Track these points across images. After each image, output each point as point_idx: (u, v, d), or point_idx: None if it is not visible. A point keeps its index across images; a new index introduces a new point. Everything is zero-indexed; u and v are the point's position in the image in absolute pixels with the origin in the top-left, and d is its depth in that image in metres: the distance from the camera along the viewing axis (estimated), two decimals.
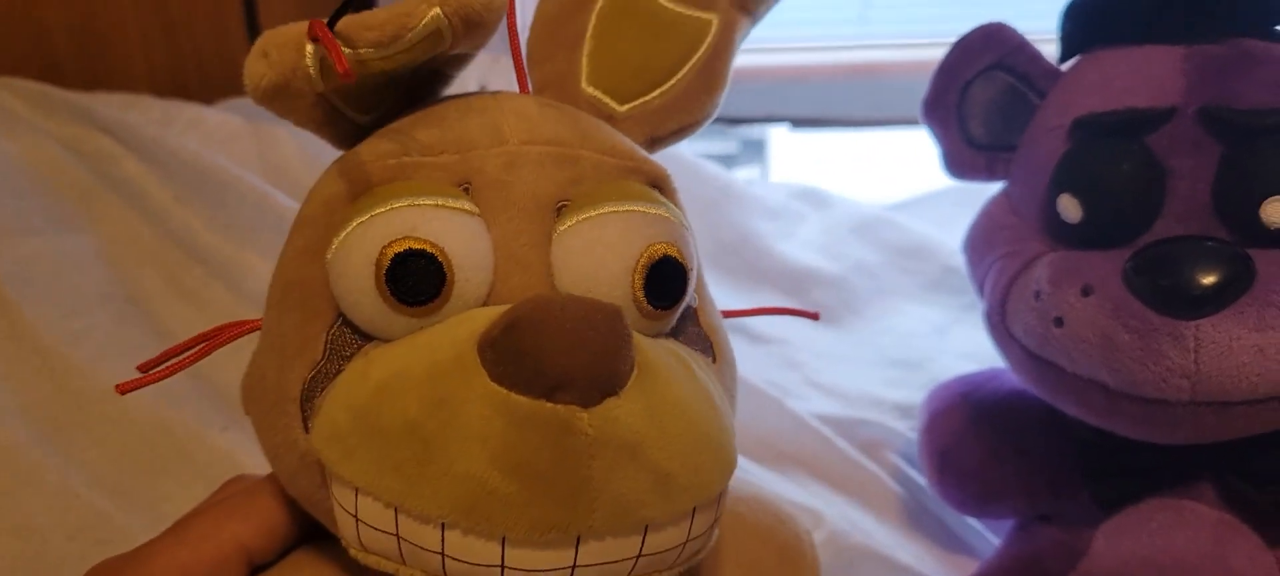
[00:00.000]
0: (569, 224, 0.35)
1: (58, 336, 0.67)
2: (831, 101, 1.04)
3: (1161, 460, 0.49)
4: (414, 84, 0.38)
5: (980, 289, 0.53)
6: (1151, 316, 0.43)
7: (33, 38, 1.03)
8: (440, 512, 0.31)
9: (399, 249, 0.33)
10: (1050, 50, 0.53)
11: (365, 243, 0.33)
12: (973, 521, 0.63)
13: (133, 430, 0.63)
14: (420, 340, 0.33)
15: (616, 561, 0.33)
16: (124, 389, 0.37)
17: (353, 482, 0.32)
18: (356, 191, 0.35)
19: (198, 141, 0.83)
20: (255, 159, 0.83)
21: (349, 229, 0.34)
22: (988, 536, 0.62)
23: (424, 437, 0.31)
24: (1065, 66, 0.52)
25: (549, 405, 0.30)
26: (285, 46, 0.33)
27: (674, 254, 0.36)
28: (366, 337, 0.35)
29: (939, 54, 0.54)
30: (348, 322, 0.35)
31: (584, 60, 0.41)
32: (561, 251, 0.35)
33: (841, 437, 0.68)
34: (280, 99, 0.34)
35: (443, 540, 0.32)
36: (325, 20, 0.33)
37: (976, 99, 0.53)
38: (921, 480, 0.63)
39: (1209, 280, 0.42)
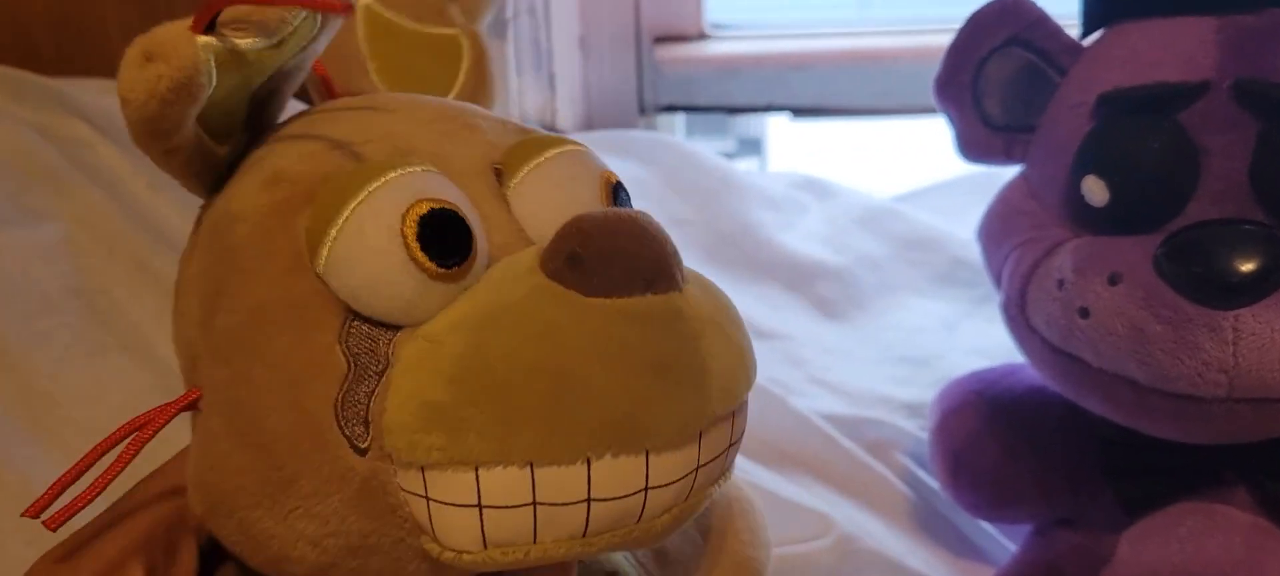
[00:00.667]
0: (518, 179, 0.35)
1: (21, 336, 0.64)
2: (832, 90, 1.01)
3: (1191, 460, 0.47)
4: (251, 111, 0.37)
5: (997, 279, 0.50)
6: (1186, 306, 0.40)
7: (10, 26, 1.00)
8: (590, 443, 0.30)
9: (422, 210, 0.31)
10: (1071, 30, 0.50)
11: (379, 217, 0.31)
12: (986, 525, 0.60)
13: (100, 435, 0.60)
14: (477, 298, 0.32)
15: (717, 457, 0.33)
16: (31, 514, 0.34)
17: (474, 459, 0.30)
18: (306, 190, 0.33)
19: None
20: None
21: (343, 217, 0.31)
22: (1002, 541, 0.59)
23: (550, 372, 0.30)
24: (1087, 41, 0.49)
25: (656, 297, 0.31)
26: (175, 43, 0.30)
27: (619, 180, 0.37)
28: (391, 328, 0.32)
29: (944, 40, 0.51)
30: (361, 320, 0.32)
31: (377, 77, 0.42)
32: (524, 204, 0.35)
33: (848, 438, 0.65)
34: (175, 109, 0.30)
35: (588, 480, 0.31)
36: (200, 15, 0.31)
37: (992, 77, 0.50)
38: (932, 482, 0.60)
39: (1248, 267, 0.40)
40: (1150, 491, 0.48)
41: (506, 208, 0.35)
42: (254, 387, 0.32)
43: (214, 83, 0.30)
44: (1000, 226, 0.50)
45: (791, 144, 1.09)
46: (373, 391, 0.31)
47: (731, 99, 1.05)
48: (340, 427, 0.31)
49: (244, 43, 0.31)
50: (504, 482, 0.30)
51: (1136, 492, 0.48)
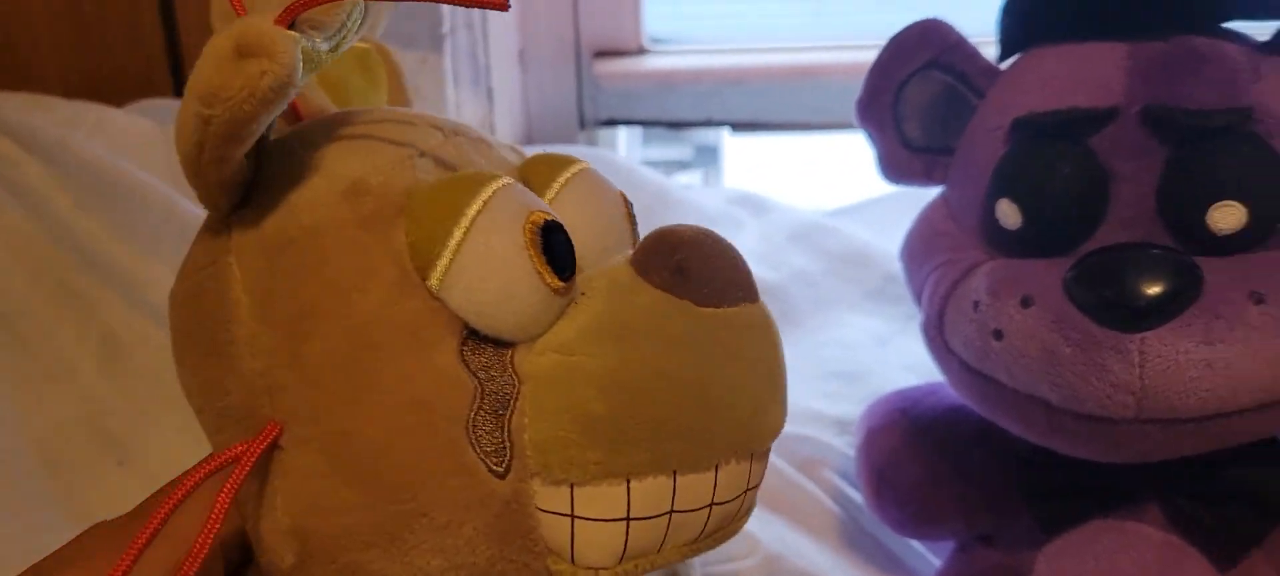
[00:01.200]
0: (553, 194, 0.35)
1: None
2: (771, 104, 1.02)
3: (1106, 479, 0.47)
4: None
5: (918, 299, 0.51)
6: (1094, 329, 0.41)
7: None
8: (723, 449, 0.32)
9: (538, 221, 0.31)
10: (990, 53, 0.50)
11: (502, 230, 0.31)
12: (913, 542, 0.61)
13: (21, 469, 0.59)
14: (595, 311, 0.32)
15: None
16: None
17: (629, 472, 0.30)
18: (395, 201, 0.32)
19: (104, 144, 0.79)
20: (164, 164, 0.78)
21: (461, 230, 0.30)
22: (929, 558, 0.59)
23: (691, 382, 0.31)
24: (1005, 65, 0.49)
25: (752, 305, 0.33)
26: (275, 39, 0.28)
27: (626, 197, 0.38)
28: (505, 345, 0.31)
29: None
30: (477, 338, 0.31)
31: (324, 92, 0.40)
32: (564, 218, 0.34)
33: (778, 454, 0.65)
34: (269, 110, 0.28)
35: (715, 485, 0.32)
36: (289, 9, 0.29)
37: (913, 99, 0.50)
38: (860, 499, 0.61)
39: (1154, 290, 0.40)
40: (1066, 510, 0.48)
41: None
42: (371, 416, 0.30)
43: (300, 81, 0.29)
44: (920, 247, 0.50)
45: (748, 153, 1.10)
46: (506, 410, 0.30)
47: (671, 113, 1.05)
48: (475, 450, 0.30)
49: (319, 39, 0.30)
50: (652, 493, 0.31)
51: (1053, 511, 0.49)
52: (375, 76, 0.42)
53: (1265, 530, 0.46)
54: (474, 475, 0.30)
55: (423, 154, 0.33)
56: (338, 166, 0.32)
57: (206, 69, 0.28)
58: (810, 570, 0.57)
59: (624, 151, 1.11)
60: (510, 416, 0.30)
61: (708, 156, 1.13)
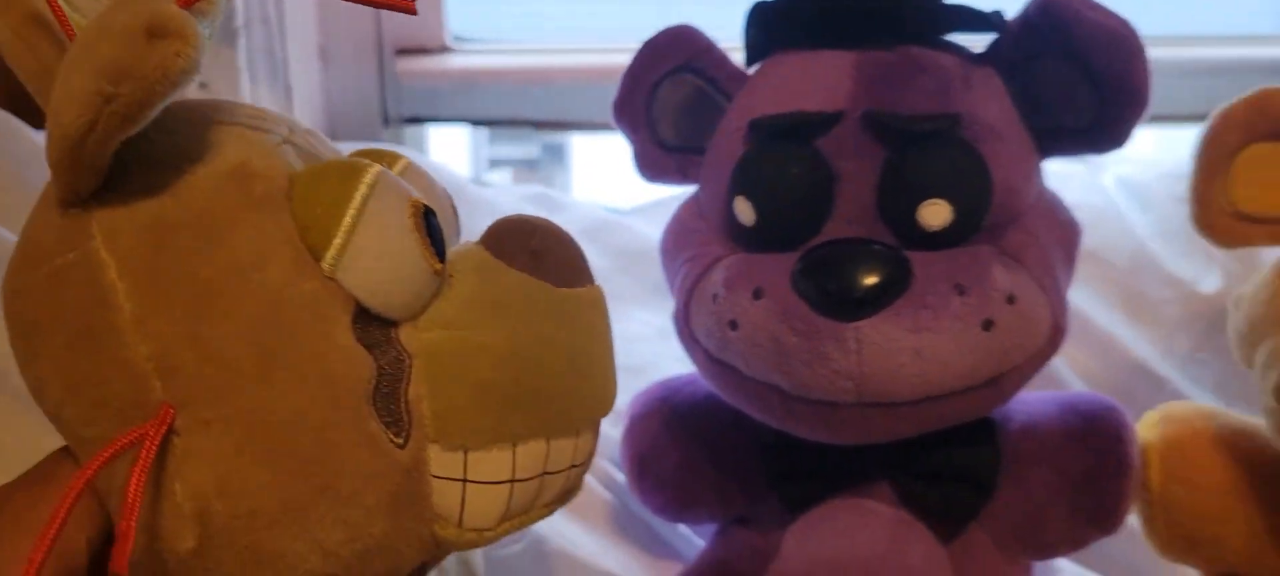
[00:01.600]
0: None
1: None
2: (574, 104, 1.03)
3: (842, 461, 0.50)
4: None
5: (673, 292, 0.53)
6: (816, 319, 0.43)
7: None
8: (587, 415, 0.36)
9: (419, 206, 0.33)
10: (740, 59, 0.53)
11: (392, 214, 0.32)
12: (682, 527, 0.63)
13: None
14: (470, 289, 0.34)
15: None
16: None
17: (516, 436, 0.33)
18: (282, 186, 0.32)
19: None
20: None
21: (353, 214, 0.31)
22: (695, 540, 0.62)
23: (567, 352, 0.34)
24: (751, 71, 0.52)
25: (595, 287, 0.38)
26: (183, 20, 0.28)
27: None
28: (390, 323, 0.33)
29: None
30: (366, 317, 0.32)
31: None
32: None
33: None
34: (173, 91, 0.28)
35: (575, 448, 0.35)
36: None
37: (666, 101, 0.53)
38: None
39: (869, 281, 0.43)
40: (808, 491, 0.51)
41: None
42: (281, 393, 0.31)
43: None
44: (672, 243, 0.52)
45: (598, 152, 1.10)
46: (401, 383, 0.32)
47: (474, 112, 1.06)
48: (379, 422, 0.32)
49: (204, 24, 0.30)
50: (532, 456, 0.34)
51: (796, 492, 0.51)
52: None
53: (980, 504, 0.50)
54: (378, 445, 0.32)
55: (285, 142, 0.34)
56: (216, 151, 0.32)
57: (110, 47, 0.27)
58: (577, 554, 0.59)
59: (471, 150, 1.11)
60: (405, 388, 0.32)
61: (555, 155, 1.14)
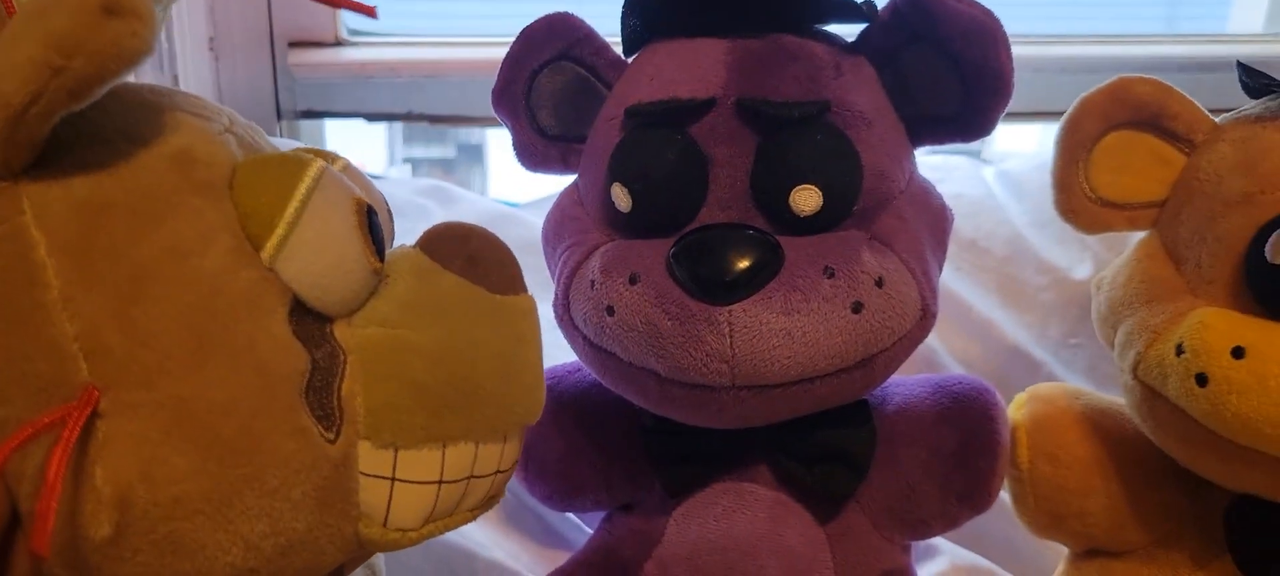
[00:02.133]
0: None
1: None
2: (469, 98, 1.03)
3: (721, 445, 0.51)
4: None
5: (553, 279, 0.53)
6: (689, 303, 0.44)
7: None
8: (517, 420, 0.36)
9: (363, 203, 0.33)
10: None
11: (337, 208, 0.32)
12: (573, 516, 0.63)
13: None
14: (408, 290, 0.34)
15: None
16: None
17: (447, 436, 0.33)
18: (224, 174, 0.32)
19: None
20: None
21: (294, 206, 0.31)
22: (585, 529, 0.62)
23: (502, 357, 0.35)
24: (631, 59, 0.52)
25: (527, 295, 0.38)
26: (142, 0, 0.27)
27: None
28: (325, 319, 0.33)
29: None
30: (302, 310, 0.32)
31: None
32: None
33: None
34: (127, 69, 0.28)
35: (502, 453, 0.36)
36: None
37: (545, 89, 0.53)
38: None
39: (741, 265, 0.44)
40: (689, 476, 0.52)
41: None
42: (214, 378, 0.30)
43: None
44: (553, 231, 0.52)
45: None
46: (335, 377, 0.32)
47: (368, 105, 1.05)
48: (310, 415, 0.31)
49: (159, 8, 0.30)
50: (461, 458, 0.34)
51: (677, 477, 0.52)
52: None
53: (856, 485, 0.51)
54: (308, 437, 0.32)
55: (226, 131, 0.34)
56: (160, 134, 0.32)
57: (63, 19, 0.27)
58: (468, 546, 0.59)
59: (387, 149, 1.10)
60: (339, 383, 0.32)
61: (472, 155, 1.13)
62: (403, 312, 0.34)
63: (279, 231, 0.32)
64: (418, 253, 0.35)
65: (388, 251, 0.36)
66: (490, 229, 0.86)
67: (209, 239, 0.31)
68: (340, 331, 0.33)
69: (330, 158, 0.37)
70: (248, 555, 0.32)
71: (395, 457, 0.33)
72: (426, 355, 0.33)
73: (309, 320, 0.33)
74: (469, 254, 0.35)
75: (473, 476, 0.35)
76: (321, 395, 0.32)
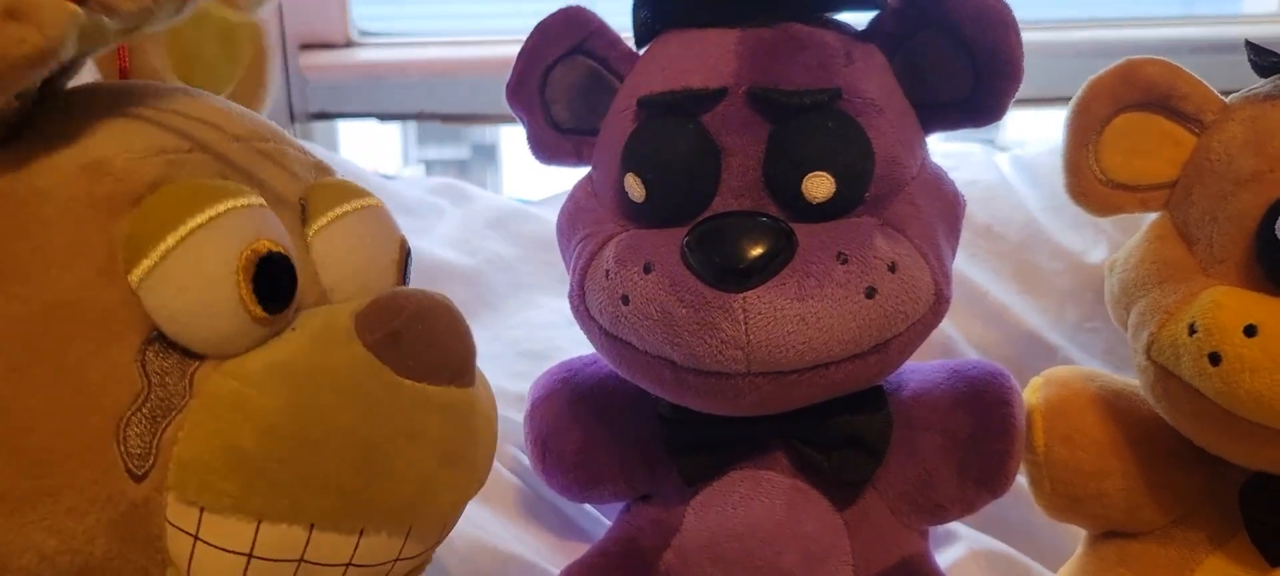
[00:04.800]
0: (323, 223, 0.35)
1: None
2: (480, 97, 1.03)
3: (738, 433, 0.51)
4: None
5: (569, 270, 0.53)
6: (704, 290, 0.44)
7: None
8: (373, 517, 0.32)
9: (262, 250, 0.31)
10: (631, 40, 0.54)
11: (218, 249, 0.31)
12: (589, 507, 0.64)
13: None
14: (294, 351, 0.32)
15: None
16: None
17: (262, 513, 0.30)
18: (133, 191, 0.31)
19: None
20: None
21: (177, 237, 0.30)
22: (603, 521, 0.63)
23: (360, 445, 0.31)
24: (642, 51, 0.53)
25: (458, 389, 0.34)
26: (48, 8, 0.28)
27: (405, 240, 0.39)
28: (195, 357, 0.31)
29: None
30: (163, 343, 0.31)
31: (167, 56, 0.41)
32: (324, 249, 0.35)
33: None
34: (24, 75, 0.28)
35: (356, 547, 0.32)
36: None
37: (559, 83, 0.53)
38: None
39: (755, 252, 0.44)
40: (706, 464, 0.52)
41: (306, 246, 0.35)
42: (31, 389, 0.30)
43: (71, 55, 0.29)
44: (567, 223, 0.53)
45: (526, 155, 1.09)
46: (165, 418, 0.31)
47: (380, 106, 1.06)
48: (120, 447, 0.30)
49: (109, 20, 0.29)
50: (282, 538, 0.31)
51: (695, 466, 0.52)
52: (236, 53, 0.42)
53: (873, 470, 0.51)
54: (109, 472, 0.31)
55: (186, 150, 0.33)
56: (90, 139, 0.32)
57: None
58: (486, 540, 0.59)
59: (401, 149, 1.10)
60: (166, 426, 0.31)
61: (486, 155, 1.13)
62: (266, 373, 0.32)
63: (148, 260, 0.31)
64: (347, 315, 0.33)
65: (329, 305, 0.34)
66: (504, 224, 0.88)
67: (81, 252, 0.31)
68: (203, 373, 0.32)
69: (356, 194, 0.37)
70: (42, 565, 0.31)
71: (200, 517, 0.31)
72: (261, 423, 0.31)
73: (175, 354, 0.32)
74: (393, 329, 0.33)
75: (307, 561, 0.32)
76: (145, 432, 0.31)
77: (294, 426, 0.31)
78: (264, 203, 0.33)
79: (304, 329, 0.33)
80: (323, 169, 0.38)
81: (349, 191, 0.37)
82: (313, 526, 0.31)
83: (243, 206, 0.32)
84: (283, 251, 0.32)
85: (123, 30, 0.31)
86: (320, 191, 0.37)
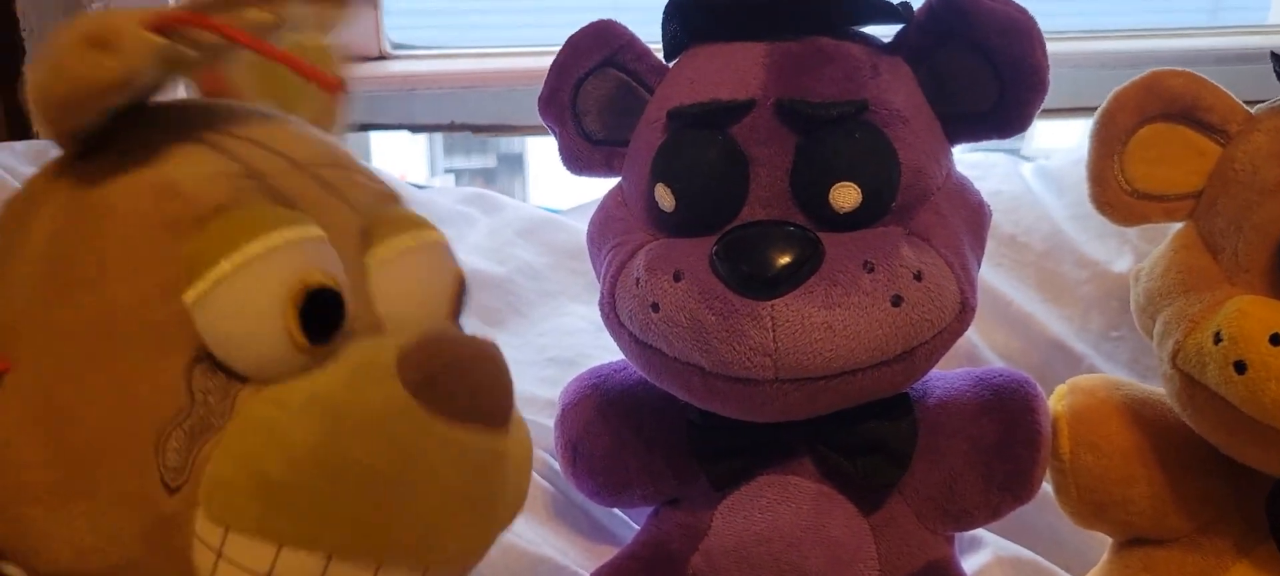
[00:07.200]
0: (383, 253, 0.36)
1: None
2: (513, 107, 1.05)
3: (765, 438, 0.52)
4: None
5: (599, 279, 0.54)
6: (733, 298, 0.45)
7: None
8: (390, 552, 0.32)
9: (313, 284, 0.32)
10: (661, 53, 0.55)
11: (271, 278, 0.32)
12: (619, 511, 0.64)
13: None
14: (334, 384, 0.33)
15: None
16: None
17: (283, 539, 0.31)
18: (198, 215, 0.33)
19: None
20: None
21: (233, 263, 0.32)
22: (632, 524, 0.63)
23: (384, 482, 0.32)
24: (672, 64, 0.53)
25: (490, 433, 0.33)
26: (132, 38, 0.29)
27: (464, 274, 0.39)
28: (239, 379, 0.32)
29: None
30: (211, 362, 0.32)
31: (247, 73, 0.41)
32: (383, 280, 0.36)
33: None
34: (106, 100, 0.30)
35: None
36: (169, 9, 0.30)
37: (591, 95, 0.54)
38: None
39: (783, 261, 0.45)
40: (734, 469, 0.53)
41: (365, 275, 0.36)
42: (85, 392, 0.32)
43: (152, 81, 0.30)
44: (598, 232, 0.54)
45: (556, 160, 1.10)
46: (203, 437, 0.32)
47: (412, 117, 1.07)
48: (158, 459, 0.32)
49: (190, 51, 0.31)
50: (300, 564, 0.32)
51: (723, 471, 0.53)
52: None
53: (899, 476, 0.52)
54: (146, 480, 0.32)
55: (253, 176, 0.34)
56: (164, 159, 0.34)
57: (62, 41, 0.29)
58: (516, 543, 0.60)
59: (428, 159, 1.11)
60: (204, 444, 0.32)
61: (513, 164, 1.13)
62: (304, 403, 0.32)
63: (203, 282, 0.32)
64: (391, 350, 0.33)
65: (373, 340, 0.35)
66: (533, 233, 0.89)
67: (145, 269, 0.32)
68: (245, 396, 0.33)
69: (416, 225, 0.38)
70: (78, 559, 0.33)
71: (225, 536, 0.32)
72: (290, 453, 0.32)
73: (220, 374, 0.33)
74: (429, 372, 0.32)
75: None
76: (183, 448, 0.32)
77: (320, 458, 0.32)
78: (322, 232, 0.34)
79: (346, 361, 0.34)
80: (389, 197, 0.39)
81: (412, 222, 0.38)
82: (330, 556, 0.32)
83: (298, 238, 0.33)
84: (333, 285, 0.33)
85: (204, 58, 0.32)
86: (386, 222, 0.37)
